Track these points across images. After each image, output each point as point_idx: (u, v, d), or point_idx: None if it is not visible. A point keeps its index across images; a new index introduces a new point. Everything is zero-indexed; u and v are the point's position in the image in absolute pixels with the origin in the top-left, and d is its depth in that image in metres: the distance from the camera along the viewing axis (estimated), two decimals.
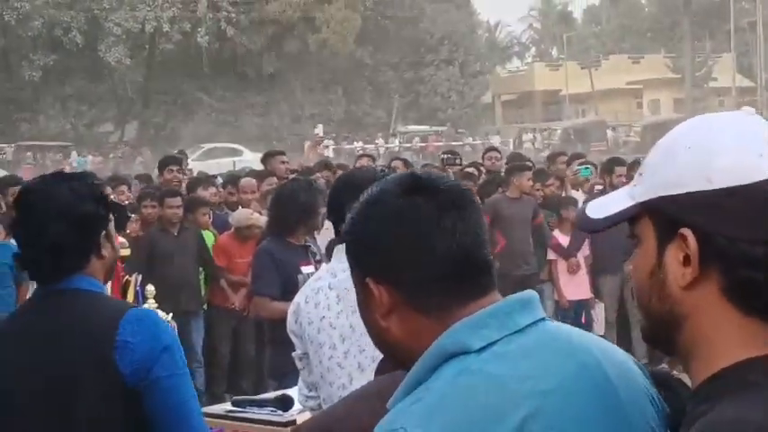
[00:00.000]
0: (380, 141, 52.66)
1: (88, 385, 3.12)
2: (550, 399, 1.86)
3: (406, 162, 13.89)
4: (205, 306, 10.74)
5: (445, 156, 14.02)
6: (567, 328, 2.04)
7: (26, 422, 3.21)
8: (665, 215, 1.74)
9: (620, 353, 2.04)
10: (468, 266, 1.96)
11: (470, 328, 1.91)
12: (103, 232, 3.29)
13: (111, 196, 7.74)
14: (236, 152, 43.73)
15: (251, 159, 36.18)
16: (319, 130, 41.81)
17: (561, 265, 12.07)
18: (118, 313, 3.17)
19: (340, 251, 4.20)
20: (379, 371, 2.58)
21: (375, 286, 1.96)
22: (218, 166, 26.68)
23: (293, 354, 4.31)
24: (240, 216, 10.91)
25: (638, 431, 1.92)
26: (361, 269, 2.00)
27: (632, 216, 1.81)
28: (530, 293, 2.03)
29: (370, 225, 1.98)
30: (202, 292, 10.72)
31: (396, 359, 2.04)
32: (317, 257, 7.15)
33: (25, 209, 3.32)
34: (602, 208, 1.85)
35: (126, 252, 6.22)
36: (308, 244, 7.28)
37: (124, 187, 13.22)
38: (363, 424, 2.26)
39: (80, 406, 3.12)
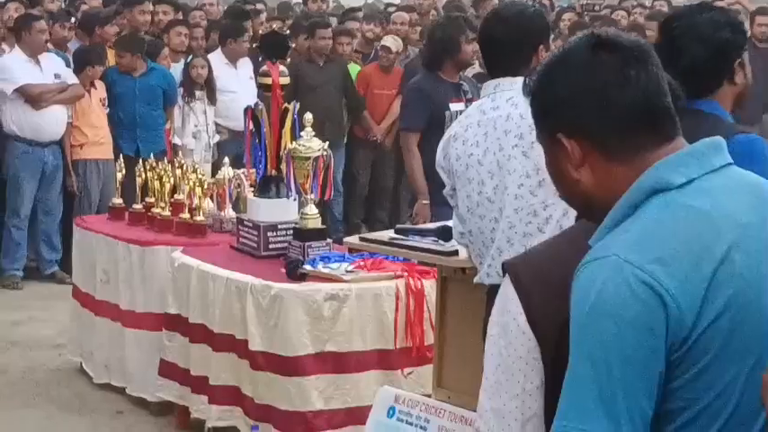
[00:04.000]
0: None
1: None
2: (749, 231, 2.04)
3: None
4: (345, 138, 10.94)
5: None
6: (753, 174, 2.19)
7: None
8: None
9: None
10: (654, 114, 2.12)
11: (671, 167, 2.08)
12: (738, 60, 3.53)
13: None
14: None
15: None
16: None
17: None
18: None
19: (489, 87, 4.29)
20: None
21: (566, 140, 2.12)
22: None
23: (444, 191, 4.44)
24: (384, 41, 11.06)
25: None
26: (550, 125, 2.16)
27: None
28: (719, 139, 2.19)
29: (559, 82, 2.14)
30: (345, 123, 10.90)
31: (587, 211, 2.20)
32: (469, 96, 7.25)
33: (668, 33, 3.56)
34: None
35: (286, 81, 6.41)
36: (460, 82, 7.37)
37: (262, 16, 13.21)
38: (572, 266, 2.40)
39: None
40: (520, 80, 4.10)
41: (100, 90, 9.82)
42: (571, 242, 2.52)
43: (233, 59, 10.60)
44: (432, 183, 7.22)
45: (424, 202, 7.24)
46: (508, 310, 2.39)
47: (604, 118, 2.08)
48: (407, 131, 7.52)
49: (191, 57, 10.40)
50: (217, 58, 10.62)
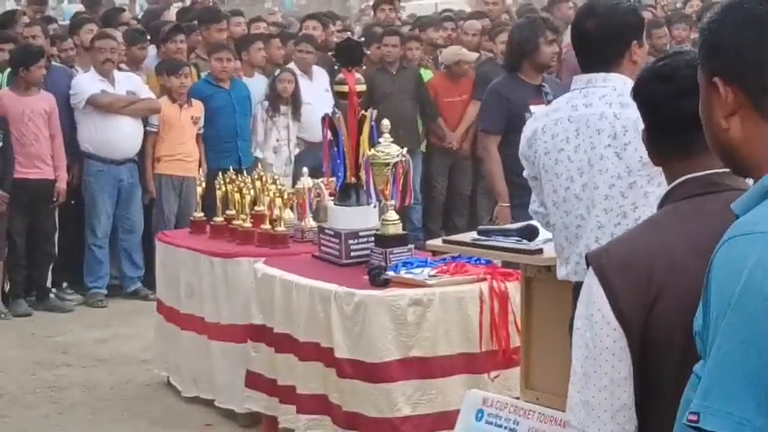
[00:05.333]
0: None
1: None
2: None
3: None
4: (423, 145, 10.94)
5: None
6: None
7: None
8: None
9: None
10: None
11: None
12: None
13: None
14: None
15: (456, 0, 35.88)
16: None
17: None
18: None
19: (581, 82, 4.22)
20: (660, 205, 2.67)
21: (722, 86, 2.03)
22: (423, 9, 26.56)
23: (524, 173, 4.42)
24: (448, 53, 11.07)
25: None
26: (710, 67, 2.07)
27: None
28: None
29: (729, 26, 2.05)
30: (420, 131, 10.91)
31: (728, 161, 2.11)
32: (550, 97, 7.21)
33: None
34: None
35: (362, 88, 6.41)
36: (542, 84, 7.34)
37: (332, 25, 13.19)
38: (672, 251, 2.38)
39: None
40: (613, 76, 4.07)
41: (195, 108, 9.85)
42: (655, 229, 2.52)
43: (305, 70, 10.63)
44: (511, 185, 7.20)
45: (504, 204, 7.23)
46: (593, 302, 2.41)
47: (765, 73, 2.00)
48: (486, 134, 7.55)
49: (279, 71, 10.44)
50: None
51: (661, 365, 2.39)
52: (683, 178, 2.56)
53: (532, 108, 7.11)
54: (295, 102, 10.27)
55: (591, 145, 4.12)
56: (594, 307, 2.41)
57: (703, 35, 2.11)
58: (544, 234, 4.57)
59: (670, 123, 2.61)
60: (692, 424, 1.91)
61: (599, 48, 4.13)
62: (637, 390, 2.43)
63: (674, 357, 2.34)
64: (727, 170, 2.41)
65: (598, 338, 2.40)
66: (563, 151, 4.17)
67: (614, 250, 2.47)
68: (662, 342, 2.39)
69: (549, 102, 7.12)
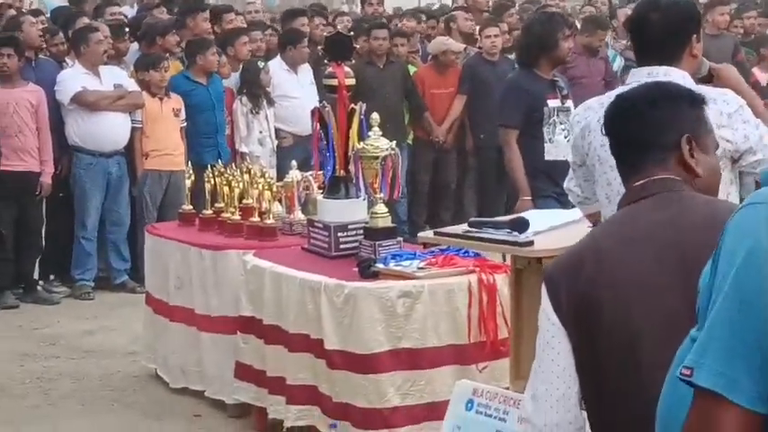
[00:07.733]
0: None
1: None
2: None
3: None
4: (410, 139, 11.00)
5: None
6: None
7: None
8: None
9: None
10: None
11: None
12: None
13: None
14: None
15: None
16: None
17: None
18: None
19: (641, 75, 4.03)
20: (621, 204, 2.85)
21: None
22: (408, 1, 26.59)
23: (569, 159, 4.27)
24: (435, 42, 11.14)
25: None
26: None
27: None
28: None
29: None
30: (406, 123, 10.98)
31: None
32: (564, 92, 7.26)
33: None
34: None
35: (351, 81, 6.44)
36: (555, 78, 7.37)
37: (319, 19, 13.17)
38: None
39: None
40: (674, 71, 3.98)
41: (174, 101, 9.87)
42: (591, 234, 2.84)
43: (293, 65, 10.68)
44: (532, 178, 7.21)
45: (526, 198, 7.20)
46: (542, 304, 2.70)
47: None
48: (506, 128, 7.46)
49: (242, 64, 10.49)
50: (277, 64, 10.72)
51: (601, 356, 2.63)
52: (625, 191, 2.83)
53: (550, 102, 7.15)
54: (266, 93, 10.37)
55: None
56: (542, 307, 2.69)
57: None
58: (534, 226, 4.62)
59: (621, 148, 2.87)
60: (685, 378, 1.97)
61: (661, 41, 4.04)
62: (585, 384, 2.67)
63: (613, 343, 2.59)
64: (664, 177, 2.70)
65: (543, 336, 2.68)
66: None
67: (558, 259, 2.79)
68: (598, 326, 2.61)
69: (563, 96, 7.18)
